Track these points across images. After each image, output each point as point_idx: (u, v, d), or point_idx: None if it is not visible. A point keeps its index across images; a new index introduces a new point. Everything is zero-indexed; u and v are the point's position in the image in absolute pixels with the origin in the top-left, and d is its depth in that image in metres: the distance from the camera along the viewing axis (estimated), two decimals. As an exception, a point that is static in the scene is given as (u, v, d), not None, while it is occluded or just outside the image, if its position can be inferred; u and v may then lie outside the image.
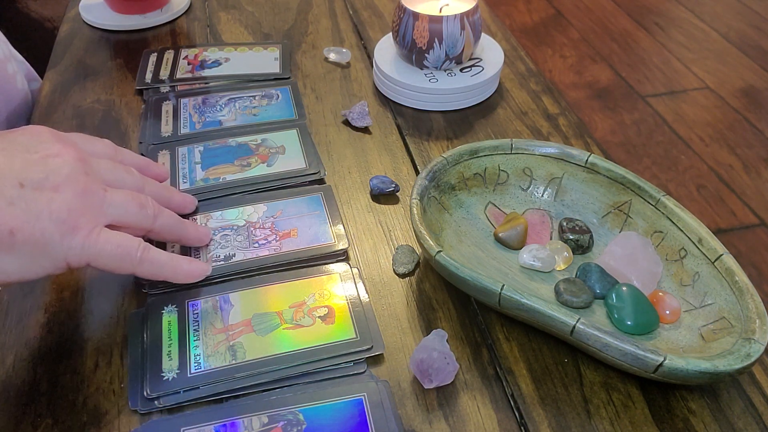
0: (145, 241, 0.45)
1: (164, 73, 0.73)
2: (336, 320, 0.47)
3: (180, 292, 0.49)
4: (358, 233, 0.55)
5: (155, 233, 0.47)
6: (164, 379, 0.43)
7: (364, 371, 0.44)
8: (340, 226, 0.54)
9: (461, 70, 0.70)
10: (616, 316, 0.46)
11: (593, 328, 0.41)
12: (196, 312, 0.47)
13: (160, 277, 0.46)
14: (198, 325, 0.47)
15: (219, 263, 0.51)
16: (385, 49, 0.73)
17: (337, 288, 0.49)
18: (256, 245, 0.52)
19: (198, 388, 0.43)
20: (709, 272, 0.46)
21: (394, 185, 0.58)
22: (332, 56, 0.76)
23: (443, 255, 0.45)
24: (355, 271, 0.51)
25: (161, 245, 0.51)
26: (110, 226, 0.43)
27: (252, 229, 0.54)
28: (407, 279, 0.51)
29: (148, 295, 0.49)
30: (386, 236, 0.55)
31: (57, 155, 0.42)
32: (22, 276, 0.41)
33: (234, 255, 0.51)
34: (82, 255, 0.41)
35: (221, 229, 0.54)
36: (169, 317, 0.47)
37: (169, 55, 0.76)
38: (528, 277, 0.50)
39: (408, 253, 0.52)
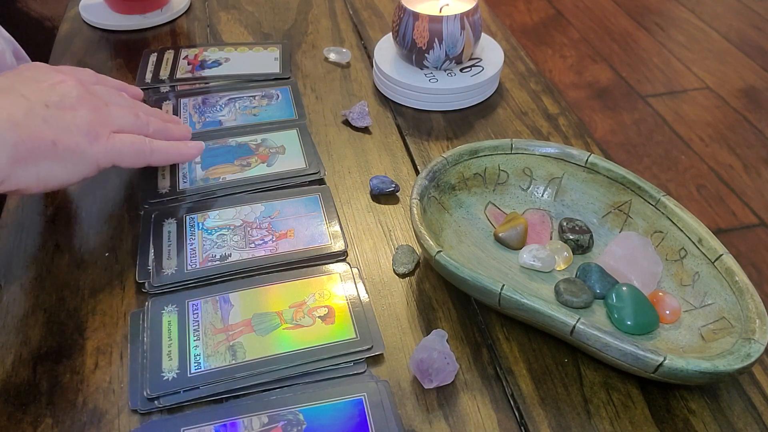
0: None
1: (164, 73, 0.73)
2: (336, 320, 0.47)
3: (180, 292, 0.49)
4: (358, 233, 0.55)
5: (150, 137, 0.54)
6: (164, 379, 0.43)
7: (364, 371, 0.44)
8: (337, 228, 0.54)
9: (461, 70, 0.70)
10: (616, 316, 0.46)
11: (593, 328, 0.41)
12: (196, 312, 0.47)
13: (170, 161, 0.55)
14: (198, 325, 0.47)
15: (215, 263, 0.51)
16: (385, 49, 0.73)
17: (337, 288, 0.49)
18: (253, 245, 0.52)
19: (198, 388, 0.43)
20: (709, 272, 0.46)
21: (394, 185, 0.58)
22: (332, 56, 0.76)
23: (443, 255, 0.45)
24: (355, 271, 0.51)
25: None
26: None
27: (249, 229, 0.54)
28: (407, 279, 0.51)
29: (148, 295, 0.49)
30: (386, 236, 0.55)
31: (62, 82, 0.50)
32: (68, 180, 0.48)
33: (230, 255, 0.51)
34: (107, 157, 0.50)
35: (218, 228, 0.54)
36: (169, 317, 0.47)
37: (169, 55, 0.76)
38: (528, 277, 0.50)
39: (408, 253, 0.52)
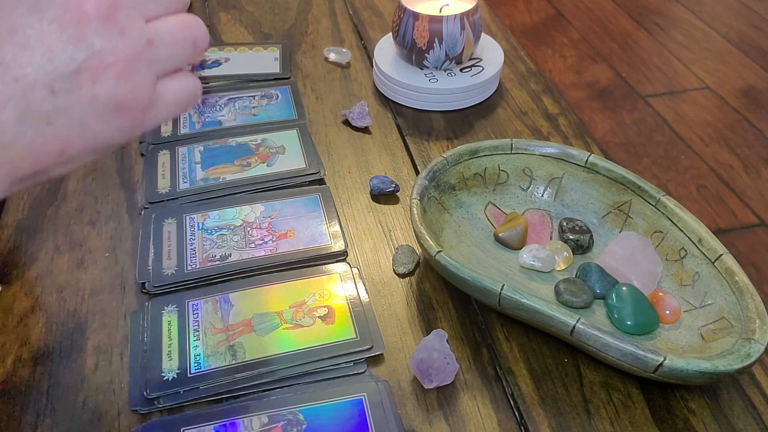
0: None
1: (164, 73, 0.73)
2: (336, 320, 0.47)
3: (180, 292, 0.49)
4: (358, 233, 0.55)
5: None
6: (164, 379, 0.43)
7: (364, 371, 0.44)
8: (337, 227, 0.54)
9: (461, 70, 0.70)
10: (616, 316, 0.46)
11: (593, 328, 0.41)
12: (196, 312, 0.47)
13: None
14: (198, 325, 0.47)
15: (215, 263, 0.51)
16: (385, 49, 0.73)
17: (337, 288, 0.49)
18: (253, 245, 0.52)
19: (198, 388, 0.43)
20: (709, 272, 0.46)
21: (394, 185, 0.58)
22: (332, 56, 0.76)
23: (443, 255, 0.45)
24: (355, 271, 0.51)
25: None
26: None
27: (249, 229, 0.54)
28: (407, 279, 0.51)
29: (148, 295, 0.49)
30: (386, 236, 0.54)
31: (81, 22, 0.29)
32: (82, 164, 0.33)
33: (230, 255, 0.51)
34: (145, 128, 0.33)
35: (218, 228, 0.54)
36: (169, 317, 0.47)
37: (169, 55, 0.76)
38: (528, 277, 0.50)
39: (408, 253, 0.52)
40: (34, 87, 0.28)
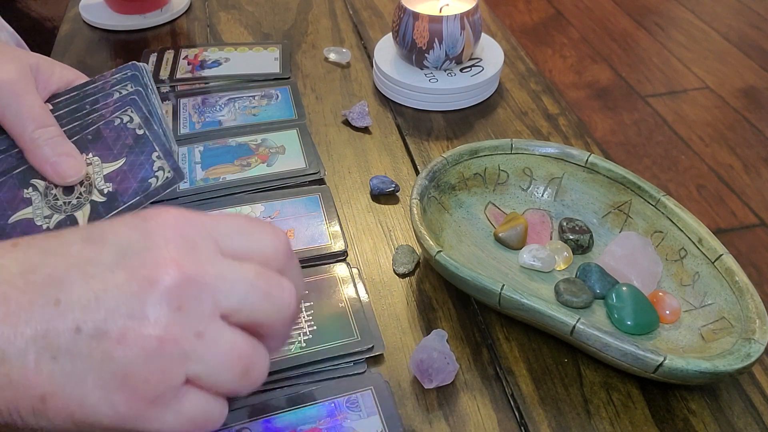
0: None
1: (164, 73, 0.73)
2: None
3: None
4: (358, 233, 0.55)
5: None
6: (164, 379, 0.43)
7: (364, 371, 0.44)
8: (337, 228, 0.54)
9: (461, 70, 0.70)
10: (616, 316, 0.46)
11: (593, 328, 0.41)
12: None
13: None
14: (198, 325, 0.46)
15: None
16: (385, 49, 0.73)
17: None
18: (256, 245, 0.52)
19: (198, 388, 0.43)
20: (709, 272, 0.46)
21: (394, 185, 0.58)
22: (332, 56, 0.76)
23: (443, 255, 0.45)
24: (355, 271, 0.51)
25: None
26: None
27: (252, 229, 0.54)
28: (407, 279, 0.51)
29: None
30: (386, 236, 0.55)
31: (154, 281, 0.27)
32: None
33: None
34: (141, 426, 0.28)
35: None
36: (169, 317, 0.47)
37: (169, 55, 0.76)
38: (528, 277, 0.50)
39: (408, 253, 0.52)
40: (65, 316, 0.27)
